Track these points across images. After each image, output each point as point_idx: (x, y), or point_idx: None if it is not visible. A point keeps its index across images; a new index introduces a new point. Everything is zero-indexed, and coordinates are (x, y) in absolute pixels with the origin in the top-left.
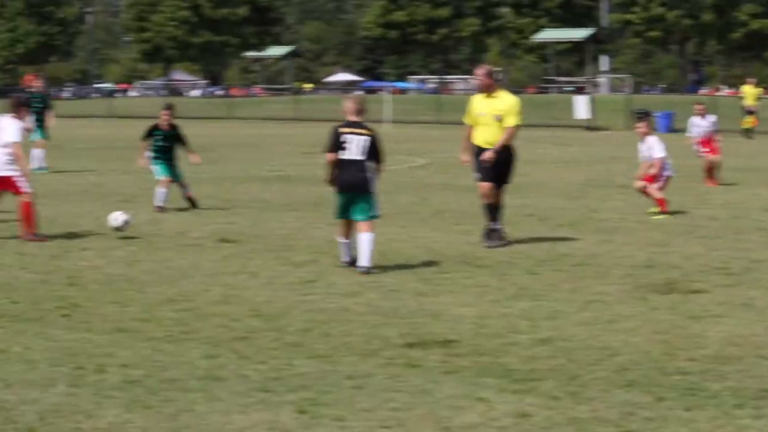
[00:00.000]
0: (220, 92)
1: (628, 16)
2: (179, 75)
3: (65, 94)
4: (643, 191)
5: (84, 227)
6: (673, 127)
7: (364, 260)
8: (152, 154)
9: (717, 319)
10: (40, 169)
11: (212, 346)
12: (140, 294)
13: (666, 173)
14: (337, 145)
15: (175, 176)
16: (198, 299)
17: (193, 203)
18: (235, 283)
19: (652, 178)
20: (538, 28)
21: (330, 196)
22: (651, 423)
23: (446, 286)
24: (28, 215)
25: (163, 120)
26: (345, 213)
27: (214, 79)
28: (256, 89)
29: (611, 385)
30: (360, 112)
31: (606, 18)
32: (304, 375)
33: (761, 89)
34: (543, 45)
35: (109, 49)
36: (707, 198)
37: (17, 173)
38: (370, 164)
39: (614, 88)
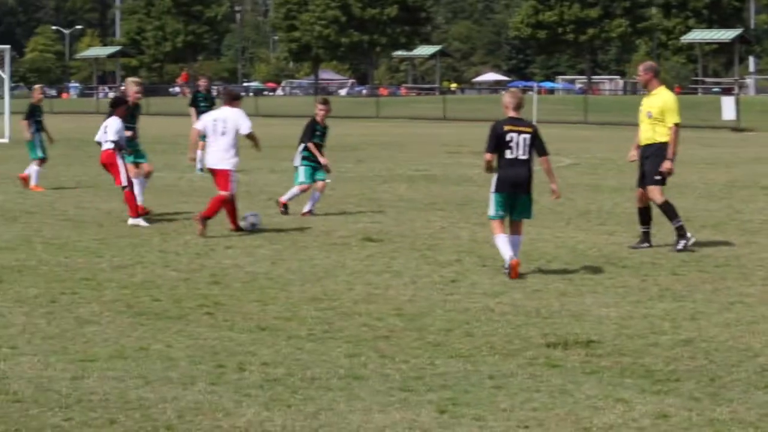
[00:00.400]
0: (365, 91)
1: None
2: (327, 74)
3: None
4: None
5: (228, 224)
6: None
7: (515, 252)
8: (304, 154)
9: None
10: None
11: (354, 345)
12: (283, 292)
13: None
14: (499, 143)
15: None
16: (341, 298)
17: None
18: (379, 282)
19: None
20: (687, 29)
21: (476, 196)
22: None
23: (589, 286)
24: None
25: (320, 115)
26: (504, 213)
27: (362, 79)
28: (402, 89)
29: (751, 387)
30: (519, 106)
31: (754, 19)
32: (445, 374)
33: None
34: (691, 46)
35: (257, 48)
36: None
37: (232, 168)
38: (532, 164)
39: (761, 89)
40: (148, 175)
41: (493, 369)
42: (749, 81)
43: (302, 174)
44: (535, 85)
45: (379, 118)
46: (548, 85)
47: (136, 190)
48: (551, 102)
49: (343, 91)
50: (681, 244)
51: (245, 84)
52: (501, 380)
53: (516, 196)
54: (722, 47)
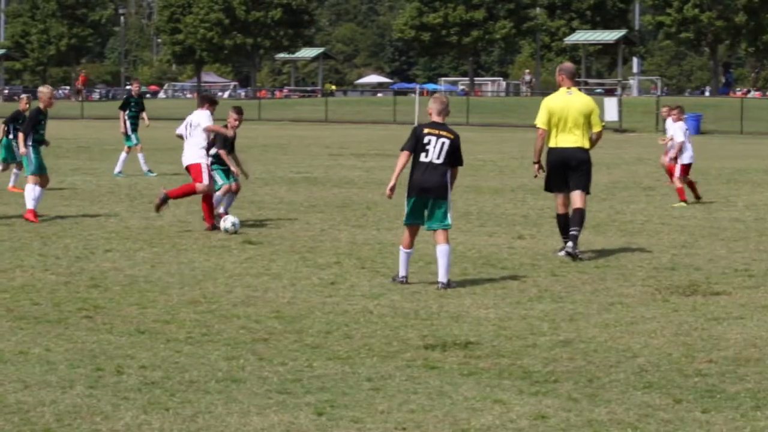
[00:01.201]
0: (244, 94)
1: (661, 18)
2: (210, 77)
3: (95, 96)
4: (668, 172)
5: (109, 228)
6: (701, 129)
7: (441, 275)
8: (213, 160)
9: (737, 321)
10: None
11: (232, 347)
12: (162, 296)
13: (686, 161)
14: (416, 145)
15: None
16: (220, 301)
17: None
18: (258, 284)
19: (675, 169)
20: (571, 30)
21: (356, 198)
22: (668, 425)
23: (468, 288)
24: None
25: (233, 124)
26: (415, 219)
27: (245, 81)
28: (278, 92)
29: (629, 387)
30: (443, 112)
31: (638, 20)
32: (323, 377)
33: None
34: (575, 47)
35: (140, 51)
36: (732, 200)
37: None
38: (448, 169)
39: (644, 91)
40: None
41: (371, 371)
42: (632, 82)
43: (219, 178)
44: (417, 87)
45: (261, 120)
46: (431, 86)
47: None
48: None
49: (225, 94)
50: (566, 251)
51: (128, 87)
52: (379, 382)
53: (428, 201)
54: (606, 48)
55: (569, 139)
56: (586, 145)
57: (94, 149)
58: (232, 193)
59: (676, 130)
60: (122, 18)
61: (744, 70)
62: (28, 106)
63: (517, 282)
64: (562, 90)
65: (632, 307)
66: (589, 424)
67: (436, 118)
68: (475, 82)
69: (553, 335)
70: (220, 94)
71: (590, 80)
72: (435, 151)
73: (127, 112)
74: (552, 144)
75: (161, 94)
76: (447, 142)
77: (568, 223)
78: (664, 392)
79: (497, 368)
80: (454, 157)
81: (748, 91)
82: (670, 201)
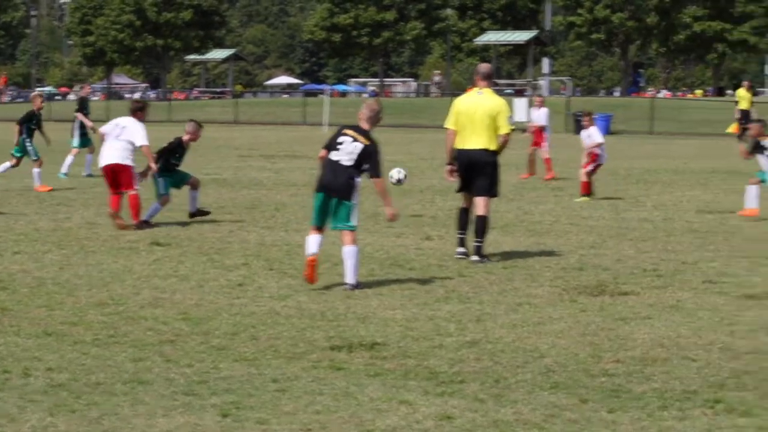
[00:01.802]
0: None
1: (572, 18)
2: (120, 78)
3: (6, 98)
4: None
5: (18, 230)
6: (610, 130)
7: (349, 277)
8: (160, 167)
9: (644, 321)
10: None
11: (139, 349)
12: (70, 297)
13: (600, 161)
14: (333, 143)
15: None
16: (127, 303)
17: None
18: (166, 286)
19: (588, 164)
20: (482, 31)
21: (265, 199)
22: (574, 425)
23: (375, 289)
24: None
25: (190, 138)
26: (319, 217)
27: (155, 83)
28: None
29: (536, 387)
30: (371, 119)
31: (549, 20)
32: (229, 378)
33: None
34: (486, 47)
35: (51, 53)
36: (641, 200)
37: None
38: (357, 173)
39: (554, 91)
40: None
41: (277, 372)
42: (543, 82)
43: (162, 186)
44: (327, 88)
45: (171, 122)
46: (341, 88)
47: None
48: (343, 105)
49: (136, 95)
50: (473, 261)
51: (38, 89)
52: (285, 383)
53: (332, 201)
54: (517, 49)
55: (475, 140)
56: (492, 147)
57: (5, 151)
58: (194, 191)
59: (592, 133)
60: (34, 20)
61: (655, 71)
62: (42, 105)
63: (425, 283)
64: (474, 90)
65: (540, 307)
66: (495, 425)
67: (362, 124)
68: (386, 83)
69: (459, 336)
70: (128, 95)
71: (500, 81)
72: (345, 152)
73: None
74: (459, 145)
75: (71, 96)
76: (360, 146)
77: (468, 220)
78: (571, 392)
79: (403, 369)
80: (366, 163)
81: (658, 91)
82: (577, 201)
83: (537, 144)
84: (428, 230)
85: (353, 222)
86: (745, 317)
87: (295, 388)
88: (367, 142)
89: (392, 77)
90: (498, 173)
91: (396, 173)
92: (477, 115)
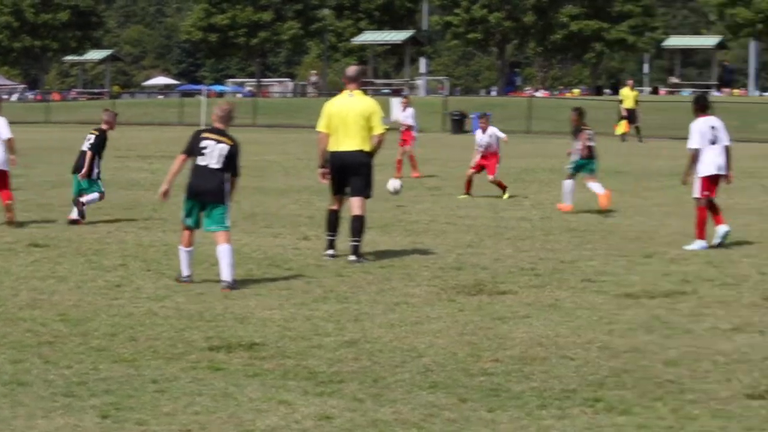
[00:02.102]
0: (32, 96)
1: (449, 18)
2: None
3: None
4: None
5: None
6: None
7: (225, 275)
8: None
9: (523, 320)
10: None
11: (18, 351)
12: None
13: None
14: (194, 148)
15: None
16: (6, 304)
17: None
18: (44, 287)
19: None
20: (358, 31)
21: (143, 200)
22: (453, 424)
23: (253, 289)
24: None
25: (108, 127)
26: (191, 220)
27: (34, 84)
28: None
29: (415, 387)
30: (225, 119)
31: (426, 20)
32: (108, 379)
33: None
34: (362, 47)
35: None
36: (519, 199)
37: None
38: (226, 175)
39: (431, 91)
40: None
41: (156, 373)
42: (420, 82)
43: (101, 184)
44: (204, 88)
45: (48, 123)
46: (218, 88)
47: None
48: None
49: (13, 97)
50: (349, 260)
51: None
52: (164, 384)
53: (205, 205)
54: (394, 48)
55: (348, 142)
56: (366, 148)
57: None
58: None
59: (497, 132)
60: None
61: (532, 70)
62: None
63: (303, 283)
64: (345, 93)
65: (418, 307)
66: (374, 424)
67: (217, 124)
68: (263, 83)
69: (338, 336)
70: (6, 96)
71: (377, 81)
72: (212, 156)
73: None
74: (333, 148)
75: None
76: (226, 147)
77: (338, 221)
78: (450, 392)
79: (282, 369)
80: (231, 163)
81: (536, 90)
82: (456, 201)
83: (404, 143)
84: (305, 230)
85: (227, 223)
86: (623, 316)
87: (174, 388)
88: (231, 143)
89: (269, 77)
90: (372, 174)
91: (392, 184)
92: (350, 117)
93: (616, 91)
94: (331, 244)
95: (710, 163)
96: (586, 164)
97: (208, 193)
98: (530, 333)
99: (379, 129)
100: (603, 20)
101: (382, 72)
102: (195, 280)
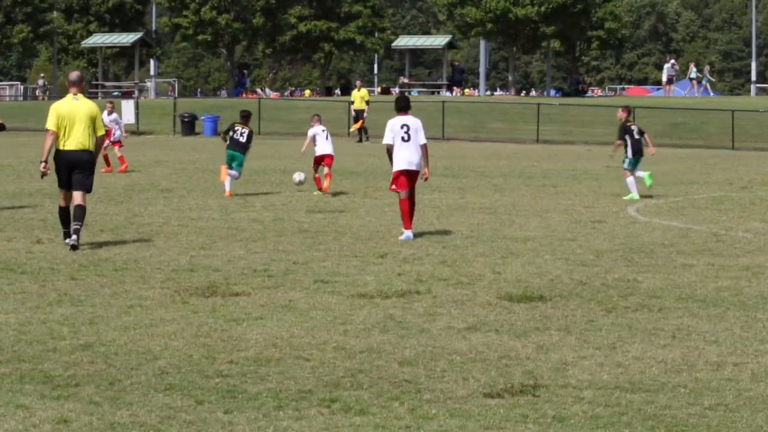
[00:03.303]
0: None
1: (178, 20)
2: None
3: None
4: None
5: None
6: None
7: None
8: None
9: (257, 322)
10: None
11: None
12: None
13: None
14: None
15: None
16: None
17: None
18: None
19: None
20: (88, 33)
21: None
22: (191, 426)
23: None
24: None
25: None
26: None
27: None
28: None
29: (151, 389)
30: None
31: (155, 22)
32: None
33: (366, 92)
34: (93, 50)
35: None
36: (250, 200)
37: None
38: None
39: (161, 92)
40: None
41: None
42: (150, 84)
43: None
44: None
45: None
46: None
47: None
48: None
49: None
50: (71, 244)
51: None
52: None
53: None
54: (124, 51)
55: (76, 142)
56: (91, 147)
57: None
58: None
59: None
60: None
61: (262, 71)
62: None
63: (37, 286)
64: (70, 96)
65: (152, 309)
66: (111, 427)
67: None
68: None
69: (73, 339)
70: None
71: (107, 83)
72: None
73: None
74: (60, 146)
75: None
76: None
77: (69, 216)
78: (186, 393)
79: (18, 373)
80: None
81: (263, 90)
82: (187, 203)
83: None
84: (39, 233)
85: None
86: (357, 316)
87: None
88: None
89: (1, 81)
90: (94, 171)
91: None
92: (77, 118)
93: (346, 92)
94: (68, 235)
95: (402, 159)
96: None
97: None
98: (265, 334)
99: (101, 130)
100: (331, 21)
101: (112, 74)
102: None
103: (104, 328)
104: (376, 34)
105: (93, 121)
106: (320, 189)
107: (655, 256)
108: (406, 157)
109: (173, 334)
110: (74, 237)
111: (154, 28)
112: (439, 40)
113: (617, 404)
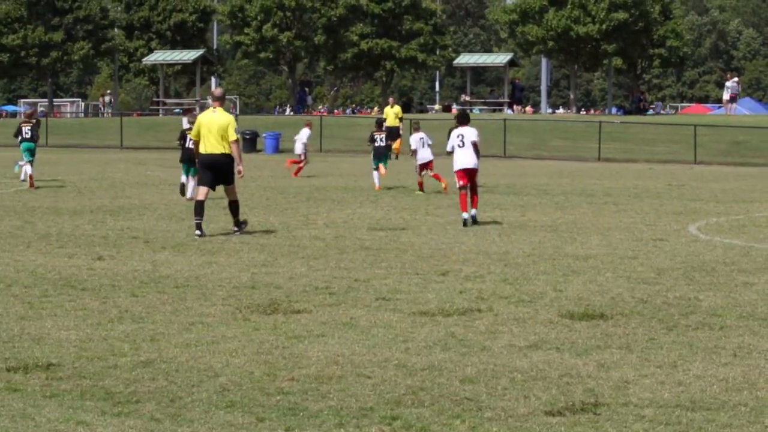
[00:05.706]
0: None
1: (239, 38)
2: None
3: None
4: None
5: None
6: (280, 148)
7: None
8: None
9: (318, 339)
10: None
11: None
12: None
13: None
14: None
15: None
16: None
17: None
18: None
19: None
20: (149, 51)
21: None
22: None
23: (49, 309)
24: None
25: None
26: None
27: None
28: None
29: (212, 406)
30: None
31: (216, 40)
32: None
33: (400, 108)
34: (154, 67)
35: None
36: (311, 218)
37: None
38: None
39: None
40: None
41: None
42: (211, 101)
43: None
44: None
45: None
46: (10, 108)
47: None
48: (12, 125)
49: None
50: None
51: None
52: None
53: None
54: (184, 68)
55: (211, 147)
56: (228, 150)
57: None
58: None
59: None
60: None
61: (323, 88)
62: None
63: (98, 303)
64: (210, 109)
65: (213, 326)
66: None
67: None
68: (55, 103)
69: (134, 356)
70: None
71: (168, 100)
72: None
73: None
74: (202, 150)
75: None
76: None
77: (203, 209)
78: (247, 411)
79: (79, 390)
80: None
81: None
82: (248, 220)
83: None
84: (99, 250)
85: None
86: (419, 334)
87: None
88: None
89: (61, 97)
90: (233, 169)
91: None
92: (214, 127)
93: (407, 110)
94: (199, 227)
95: (459, 161)
96: None
97: None
98: (326, 352)
99: (233, 136)
100: (393, 39)
101: (173, 91)
102: None
103: (165, 345)
104: (438, 52)
105: (225, 130)
106: (421, 190)
107: (717, 275)
108: (461, 159)
109: (234, 351)
110: (234, 228)
111: (215, 45)
112: (500, 58)
113: (678, 422)
